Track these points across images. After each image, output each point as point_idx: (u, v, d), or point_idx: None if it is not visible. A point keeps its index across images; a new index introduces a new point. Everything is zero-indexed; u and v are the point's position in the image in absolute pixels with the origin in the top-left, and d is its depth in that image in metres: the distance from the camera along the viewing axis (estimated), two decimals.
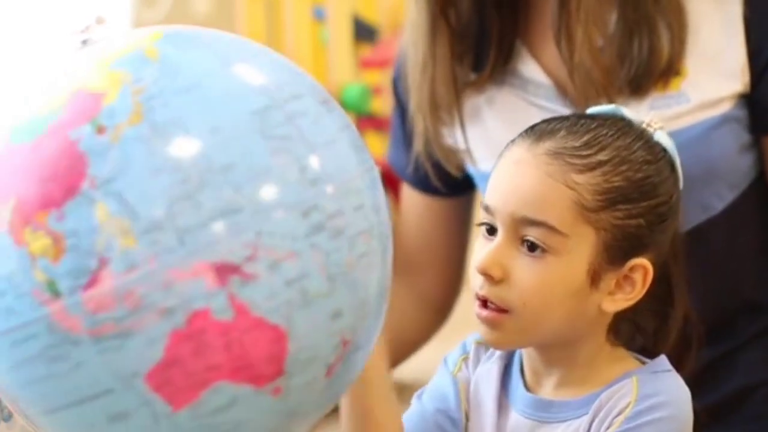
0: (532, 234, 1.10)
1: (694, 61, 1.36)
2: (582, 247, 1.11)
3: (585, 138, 1.13)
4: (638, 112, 1.31)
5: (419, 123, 1.45)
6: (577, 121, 1.16)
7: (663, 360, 1.16)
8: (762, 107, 1.38)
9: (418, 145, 1.47)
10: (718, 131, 1.36)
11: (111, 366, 0.93)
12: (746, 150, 1.39)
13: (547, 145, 1.13)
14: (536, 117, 1.34)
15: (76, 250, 0.91)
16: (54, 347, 0.93)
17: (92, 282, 0.92)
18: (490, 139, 1.41)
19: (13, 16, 2.96)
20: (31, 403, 0.97)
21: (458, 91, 1.42)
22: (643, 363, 1.16)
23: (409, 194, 1.60)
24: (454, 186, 1.52)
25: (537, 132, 1.15)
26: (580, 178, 1.11)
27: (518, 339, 1.15)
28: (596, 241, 1.11)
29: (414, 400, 1.23)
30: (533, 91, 1.40)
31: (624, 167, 1.13)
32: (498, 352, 1.20)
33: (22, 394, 0.96)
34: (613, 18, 1.34)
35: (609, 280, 1.13)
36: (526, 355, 1.19)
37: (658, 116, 1.31)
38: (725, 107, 1.36)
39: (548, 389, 1.17)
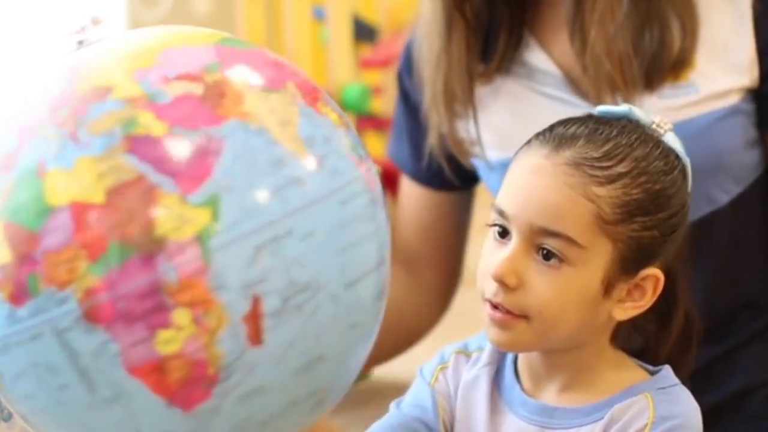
0: (550, 244, 1.10)
1: (703, 53, 1.35)
2: (598, 259, 1.10)
3: (605, 148, 1.12)
4: (649, 102, 1.31)
5: (433, 117, 1.45)
6: (596, 129, 1.14)
7: (669, 373, 1.15)
8: None
9: (432, 138, 1.47)
10: (725, 123, 1.35)
11: (388, 232, 1.01)
12: (753, 145, 1.38)
13: (567, 154, 1.11)
14: (543, 106, 1.34)
15: (348, 126, 1.01)
16: (369, 205, 0.98)
17: (368, 155, 1.02)
18: (495, 128, 1.41)
19: (11, 16, 2.97)
20: (336, 276, 0.95)
21: (472, 83, 1.42)
22: (648, 371, 1.16)
23: (409, 188, 1.60)
24: (468, 178, 1.52)
25: (555, 138, 1.13)
26: (601, 191, 1.10)
27: (530, 344, 1.14)
28: (612, 253, 1.10)
29: (392, 407, 1.22)
30: (541, 80, 1.40)
31: (642, 179, 1.12)
32: (484, 359, 1.20)
33: (326, 269, 0.94)
34: (624, 9, 1.34)
35: (621, 290, 1.12)
36: (524, 359, 1.18)
37: (667, 106, 1.31)
38: (733, 99, 1.36)
39: (550, 394, 1.16)
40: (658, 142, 1.15)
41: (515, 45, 1.41)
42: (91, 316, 0.88)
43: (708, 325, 1.33)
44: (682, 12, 1.33)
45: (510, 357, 1.19)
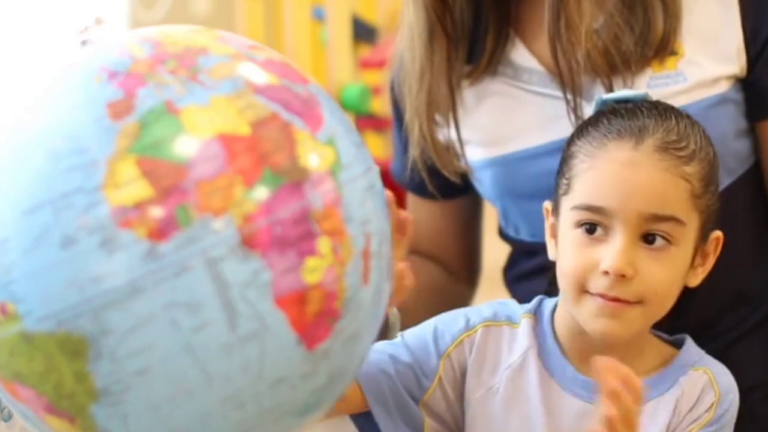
0: (660, 228, 1.15)
1: (690, 42, 1.36)
2: (692, 233, 1.17)
3: (676, 131, 1.19)
4: (636, 90, 1.32)
5: (415, 129, 1.45)
6: (653, 115, 1.19)
7: (691, 341, 1.22)
8: (757, 92, 1.37)
9: (414, 151, 1.46)
10: (715, 111, 1.36)
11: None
12: (743, 135, 1.39)
13: (651, 142, 1.17)
14: (531, 103, 1.34)
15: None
16: None
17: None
18: (484, 127, 1.41)
19: (13, 16, 2.97)
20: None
21: (453, 89, 1.42)
22: (666, 340, 1.22)
23: (412, 201, 1.59)
24: (450, 192, 1.51)
25: (630, 130, 1.18)
26: (689, 169, 1.17)
27: (640, 328, 1.18)
28: (698, 224, 1.17)
29: (398, 339, 1.25)
30: (527, 78, 1.40)
31: (705, 151, 1.19)
32: (523, 343, 1.22)
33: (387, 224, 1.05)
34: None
35: (696, 257, 1.20)
36: (571, 338, 1.21)
37: (655, 95, 1.32)
38: (722, 88, 1.36)
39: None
40: (688, 116, 1.22)
41: (503, 44, 1.41)
42: (248, 242, 0.89)
43: (701, 320, 1.34)
44: None
45: (549, 335, 1.21)
